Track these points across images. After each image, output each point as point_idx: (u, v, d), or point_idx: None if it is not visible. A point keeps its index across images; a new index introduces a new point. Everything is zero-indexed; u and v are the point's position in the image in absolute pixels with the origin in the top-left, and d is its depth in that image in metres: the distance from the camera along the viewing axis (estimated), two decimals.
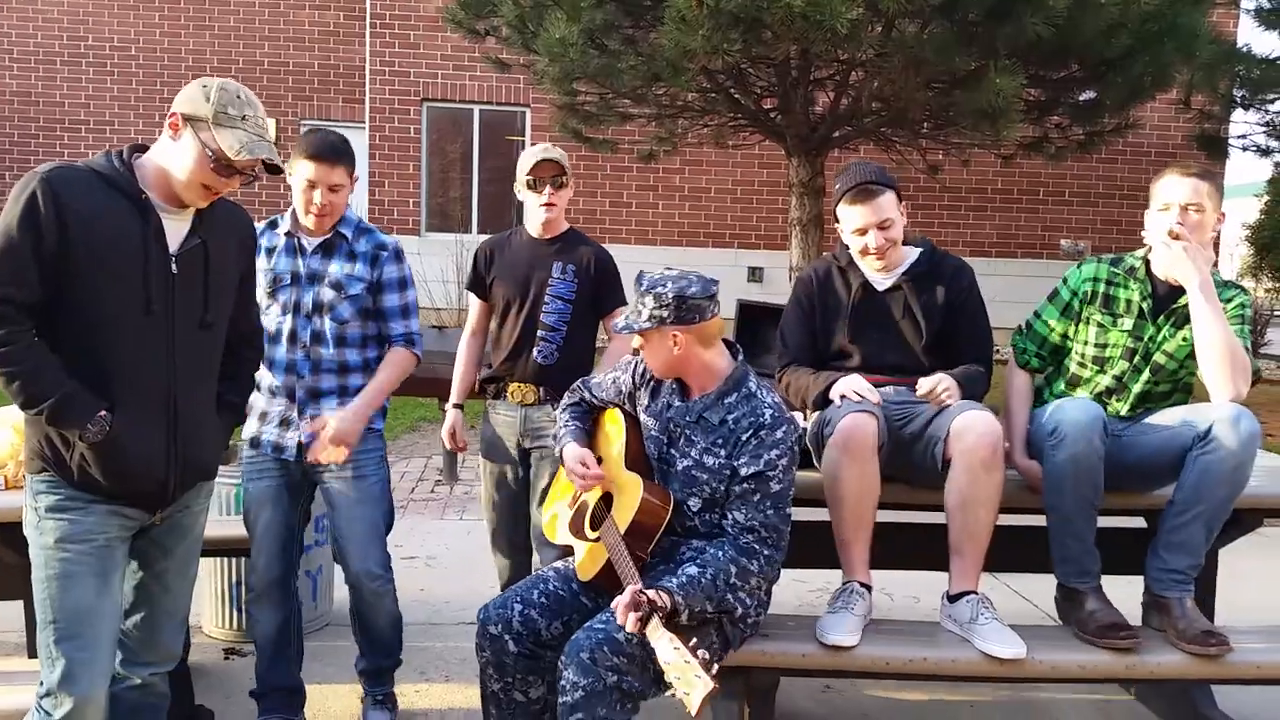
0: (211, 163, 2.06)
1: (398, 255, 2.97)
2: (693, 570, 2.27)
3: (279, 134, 13.26)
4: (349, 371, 2.93)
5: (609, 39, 7.10)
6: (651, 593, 2.15)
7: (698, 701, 1.92)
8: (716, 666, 2.03)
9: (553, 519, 2.77)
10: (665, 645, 2.04)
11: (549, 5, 6.94)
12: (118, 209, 2.04)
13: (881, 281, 2.94)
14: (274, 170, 2.13)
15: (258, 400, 2.90)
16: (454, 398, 3.43)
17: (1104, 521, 2.81)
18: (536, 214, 3.19)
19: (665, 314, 2.37)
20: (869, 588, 2.72)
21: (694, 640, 2.04)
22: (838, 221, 2.95)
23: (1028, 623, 2.85)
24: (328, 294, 2.87)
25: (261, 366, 2.78)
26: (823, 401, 2.82)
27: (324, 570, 3.89)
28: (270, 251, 2.88)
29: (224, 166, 2.07)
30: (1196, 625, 2.63)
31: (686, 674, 1.96)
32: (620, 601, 2.16)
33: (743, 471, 2.35)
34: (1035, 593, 4.29)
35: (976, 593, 2.68)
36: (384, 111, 12.68)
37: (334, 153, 2.78)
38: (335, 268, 2.89)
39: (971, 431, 2.60)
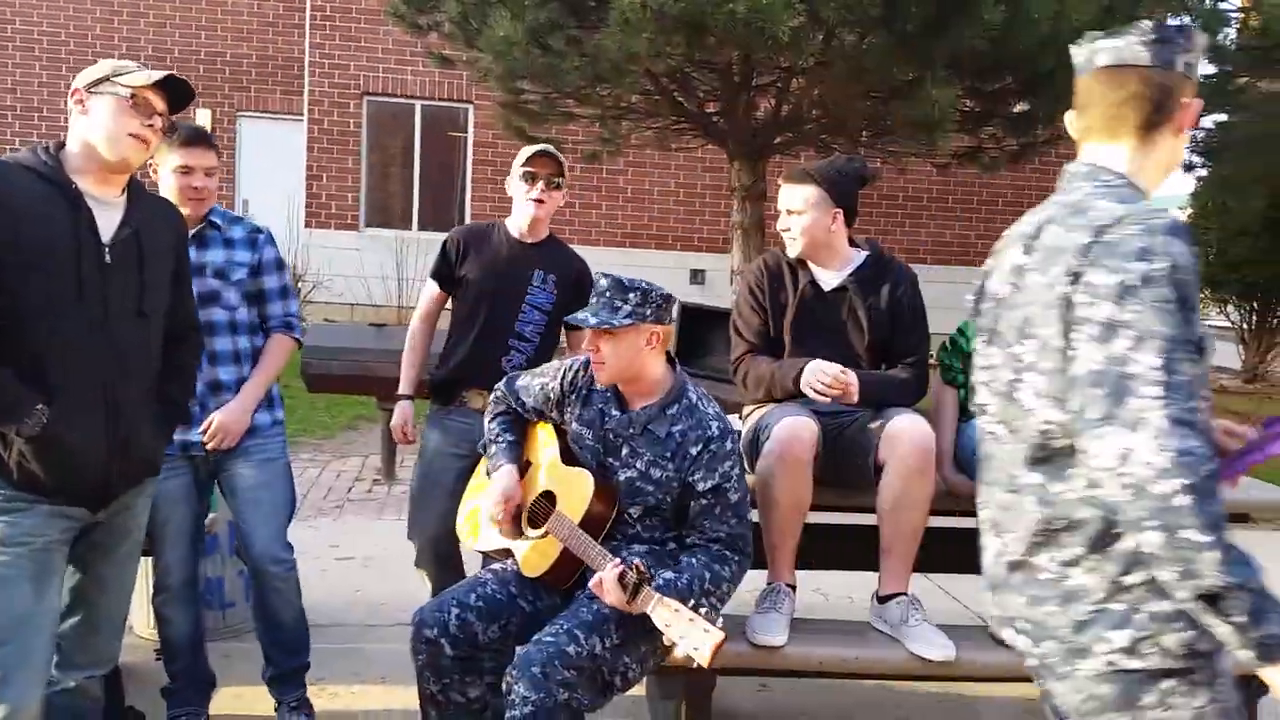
0: (130, 104, 2.10)
1: (271, 239, 2.99)
2: (669, 574, 2.31)
3: (214, 125, 13.00)
4: (242, 361, 2.90)
5: (553, 38, 7.10)
6: (636, 561, 2.20)
7: (709, 653, 2.01)
8: (720, 620, 2.08)
9: (473, 514, 2.76)
10: (663, 610, 2.10)
11: (493, 3, 6.93)
12: (47, 200, 2.03)
13: (828, 281, 2.94)
14: (183, 98, 2.20)
15: None
16: (405, 387, 3.25)
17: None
18: (524, 210, 3.09)
19: (648, 311, 2.38)
20: (793, 587, 2.77)
21: (691, 603, 2.11)
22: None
23: (959, 623, 2.93)
24: (213, 283, 2.84)
25: None
26: (796, 391, 2.79)
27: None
28: None
29: (142, 103, 2.11)
30: None
31: (693, 631, 2.04)
32: (601, 580, 2.19)
33: (700, 487, 2.38)
34: (966, 593, 4.40)
35: (906, 594, 2.75)
36: (323, 104, 12.50)
37: (201, 137, 2.81)
38: (214, 256, 2.86)
39: (904, 438, 2.66)
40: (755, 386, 2.91)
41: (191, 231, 2.80)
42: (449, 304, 3.29)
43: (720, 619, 2.13)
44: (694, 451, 2.39)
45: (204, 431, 2.78)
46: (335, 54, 12.37)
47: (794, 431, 2.64)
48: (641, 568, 2.17)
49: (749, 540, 2.45)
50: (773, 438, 2.66)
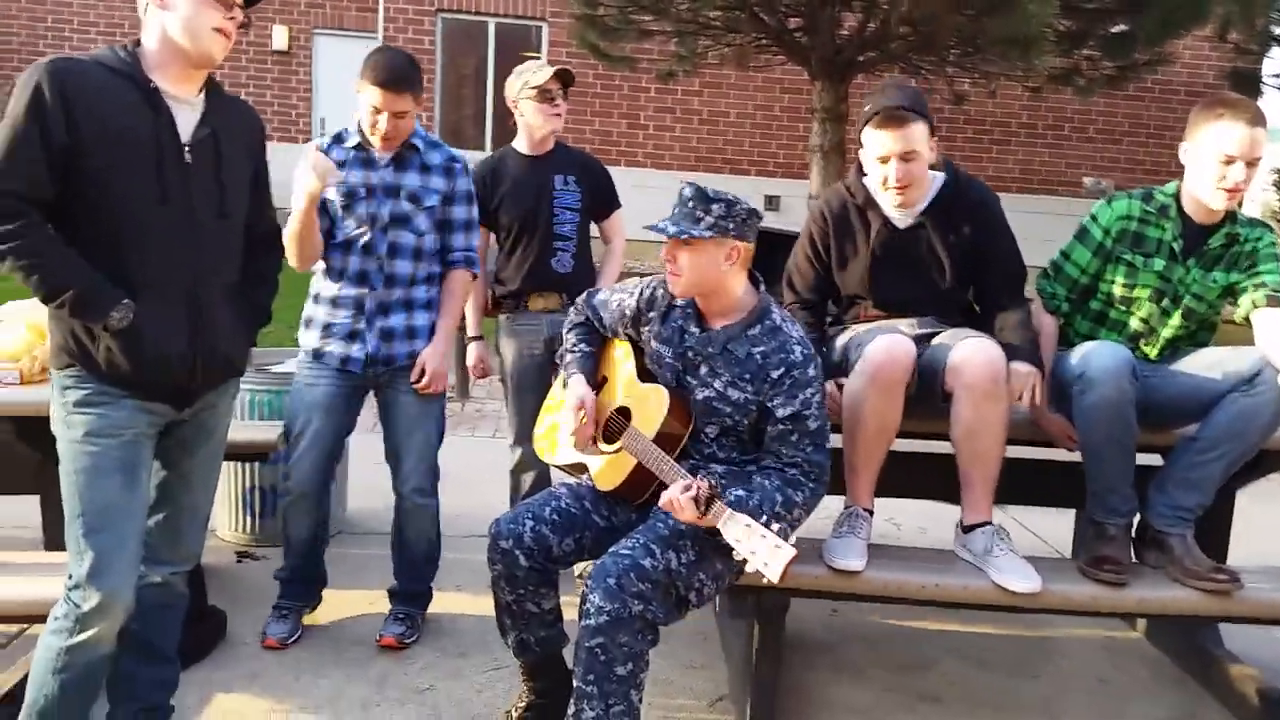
0: None
1: (466, 169, 3.03)
2: (740, 492, 2.26)
3: (290, 42, 13.02)
4: (417, 284, 2.96)
5: None
6: (706, 479, 2.15)
7: (780, 570, 1.98)
8: (793, 536, 2.03)
9: (549, 431, 2.74)
10: (735, 525, 2.06)
11: None
12: (127, 100, 2.00)
13: (903, 219, 2.77)
14: None
15: (318, 313, 2.91)
16: (473, 329, 3.40)
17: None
18: (544, 125, 3.24)
19: (731, 225, 2.30)
20: (870, 513, 2.71)
21: (764, 519, 2.07)
22: (860, 146, 2.75)
23: (1035, 556, 2.86)
24: (405, 206, 2.89)
25: (325, 279, 2.91)
26: None
27: (337, 479, 3.91)
28: (340, 165, 2.82)
29: None
30: (1204, 561, 2.63)
31: (764, 547, 2.00)
32: (671, 497, 2.15)
33: (779, 413, 2.32)
34: (1042, 527, 4.32)
35: (992, 523, 2.67)
36: (398, 22, 12.44)
37: (402, 81, 2.77)
38: (410, 179, 2.90)
39: (970, 363, 2.54)
40: None
41: (390, 153, 2.87)
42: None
43: (794, 539, 2.08)
44: (775, 375, 2.32)
45: (416, 381, 2.91)
46: None
47: (890, 352, 2.54)
48: (712, 483, 2.14)
49: (826, 469, 2.38)
50: (866, 357, 2.57)
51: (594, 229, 3.48)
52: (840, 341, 2.83)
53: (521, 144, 3.31)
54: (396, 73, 2.77)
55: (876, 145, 2.65)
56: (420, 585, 3.13)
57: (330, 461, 3.00)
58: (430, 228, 2.94)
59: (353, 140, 2.87)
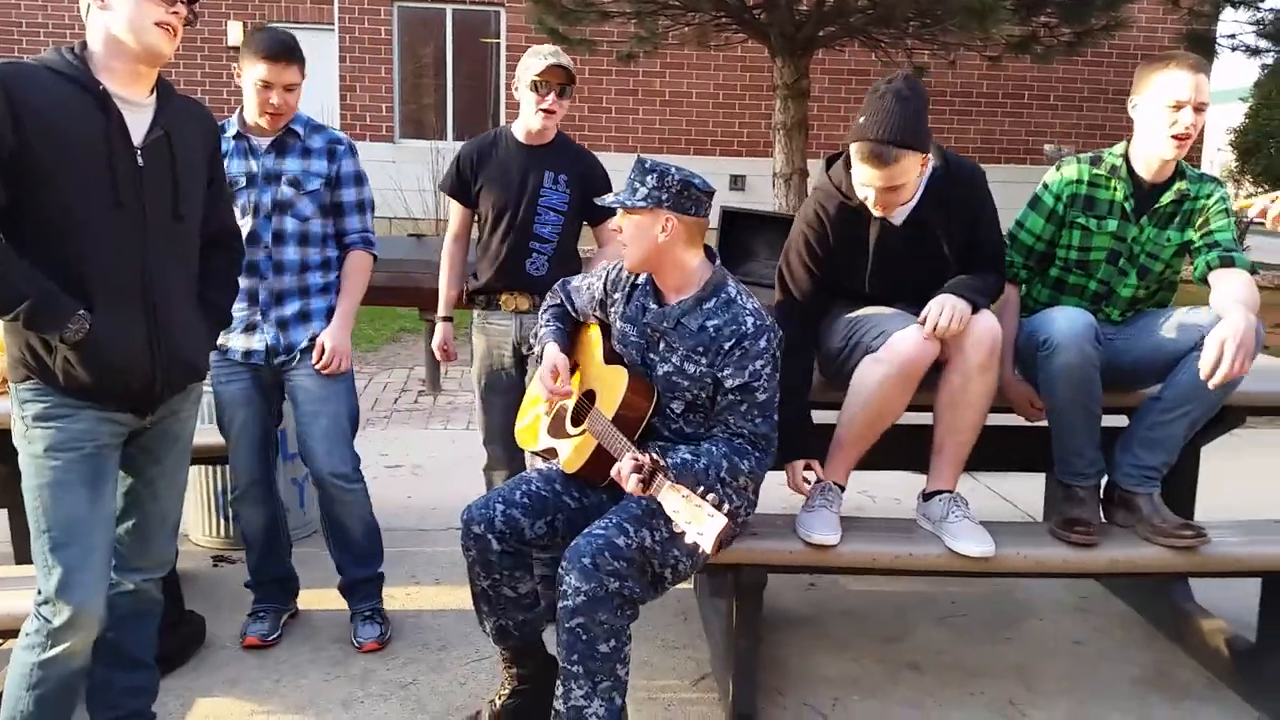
0: None
1: (352, 150, 2.97)
2: (687, 455, 2.29)
3: (245, 36, 12.83)
4: (309, 270, 2.92)
5: None
6: (650, 454, 2.16)
7: (712, 539, 1.97)
8: (727, 506, 2.02)
9: (533, 423, 2.75)
10: (673, 496, 2.06)
11: None
12: (76, 104, 1.96)
13: (899, 214, 2.67)
14: None
15: None
16: (442, 310, 3.32)
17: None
18: (532, 119, 3.08)
19: (664, 196, 2.32)
20: (842, 487, 2.73)
21: (701, 488, 2.05)
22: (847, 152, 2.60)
23: (1007, 521, 2.89)
24: (287, 191, 2.85)
25: None
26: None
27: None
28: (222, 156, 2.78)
29: None
30: (1172, 519, 2.67)
31: (699, 516, 2.00)
32: (619, 470, 2.17)
33: (728, 384, 2.34)
34: (1013, 492, 4.37)
35: (951, 491, 2.69)
36: (353, 12, 12.29)
37: (287, 52, 2.74)
38: (291, 164, 2.87)
39: (968, 333, 2.55)
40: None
41: (269, 139, 2.84)
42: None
43: (728, 507, 2.07)
44: (727, 347, 2.34)
45: (317, 361, 2.87)
46: None
47: (920, 345, 2.51)
48: (656, 458, 2.15)
49: (773, 441, 2.40)
50: (892, 346, 2.53)
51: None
52: (843, 319, 2.76)
53: (519, 129, 3.14)
54: (281, 44, 2.74)
55: (860, 174, 2.53)
56: (368, 570, 3.07)
57: (266, 451, 2.99)
58: (315, 212, 2.89)
59: (232, 130, 2.83)
